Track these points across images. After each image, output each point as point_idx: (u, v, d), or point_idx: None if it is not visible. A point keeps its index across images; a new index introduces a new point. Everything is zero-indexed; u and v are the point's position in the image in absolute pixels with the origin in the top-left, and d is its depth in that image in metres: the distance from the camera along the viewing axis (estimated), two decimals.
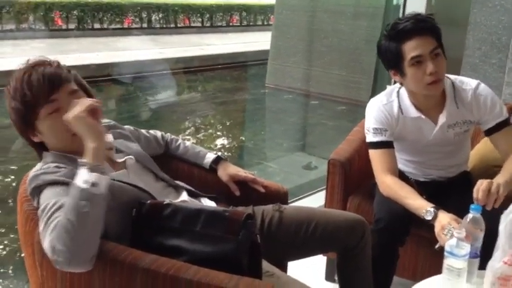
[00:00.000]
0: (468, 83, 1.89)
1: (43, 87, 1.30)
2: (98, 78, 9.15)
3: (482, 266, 1.40)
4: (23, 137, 1.39)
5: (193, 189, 1.63)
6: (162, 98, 9.00)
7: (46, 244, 1.14)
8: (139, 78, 9.47)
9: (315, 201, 2.89)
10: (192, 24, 16.20)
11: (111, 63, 9.74)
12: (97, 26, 13.82)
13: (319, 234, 1.61)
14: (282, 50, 8.09)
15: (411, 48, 1.74)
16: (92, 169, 1.18)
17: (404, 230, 1.81)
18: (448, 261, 1.36)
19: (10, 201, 4.53)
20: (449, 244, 1.36)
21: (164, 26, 15.50)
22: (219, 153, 1.85)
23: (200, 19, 16.49)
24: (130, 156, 1.51)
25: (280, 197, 1.81)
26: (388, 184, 1.83)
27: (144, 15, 15.02)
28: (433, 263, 1.97)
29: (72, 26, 13.26)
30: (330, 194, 2.20)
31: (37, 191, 1.27)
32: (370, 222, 1.86)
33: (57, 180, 1.27)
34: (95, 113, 1.28)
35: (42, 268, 1.26)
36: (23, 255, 3.37)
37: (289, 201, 1.90)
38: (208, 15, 16.68)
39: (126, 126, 1.70)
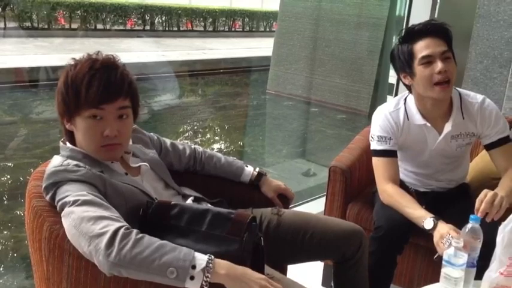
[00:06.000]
0: (474, 96, 1.93)
1: (99, 94, 1.30)
2: None
3: (479, 276, 1.43)
4: (59, 116, 1.39)
5: (199, 196, 1.64)
6: (162, 100, 9.01)
7: (102, 241, 1.14)
8: (141, 80, 9.49)
9: (315, 207, 2.91)
10: (195, 28, 16.22)
11: None
12: (100, 26, 13.84)
13: (315, 243, 1.62)
14: (284, 56, 8.11)
15: (422, 48, 1.78)
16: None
17: (403, 238, 1.84)
18: (445, 270, 1.39)
19: (5, 198, 4.53)
20: (447, 253, 1.39)
21: (167, 29, 15.53)
22: (258, 169, 1.83)
23: (203, 23, 16.52)
24: (145, 163, 1.52)
25: (281, 200, 1.83)
26: (389, 193, 1.86)
27: (147, 17, 15.06)
28: (430, 271, 2.00)
29: (75, 26, 13.29)
30: (330, 201, 2.22)
31: (55, 186, 1.28)
32: (369, 230, 1.89)
33: (77, 179, 1.28)
34: None
35: (49, 263, 1.28)
36: (15, 255, 3.36)
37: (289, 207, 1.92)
38: (211, 20, 16.71)
39: (149, 134, 1.71)
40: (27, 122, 7.04)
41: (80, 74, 1.31)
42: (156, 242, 1.17)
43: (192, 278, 1.14)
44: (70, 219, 1.20)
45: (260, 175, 1.81)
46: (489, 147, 1.93)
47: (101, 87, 1.30)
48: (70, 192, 1.25)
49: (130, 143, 1.53)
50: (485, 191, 1.63)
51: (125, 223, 1.19)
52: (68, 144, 1.41)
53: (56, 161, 1.36)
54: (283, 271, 1.72)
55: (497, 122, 1.89)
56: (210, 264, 1.15)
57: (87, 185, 1.28)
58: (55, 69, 8.30)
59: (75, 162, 1.33)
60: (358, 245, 1.64)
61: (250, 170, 1.81)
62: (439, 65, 1.76)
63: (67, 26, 13.12)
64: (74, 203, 1.21)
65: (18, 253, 3.47)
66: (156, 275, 1.14)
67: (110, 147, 1.36)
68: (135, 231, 1.17)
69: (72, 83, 1.31)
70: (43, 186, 1.31)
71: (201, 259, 1.16)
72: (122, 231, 1.15)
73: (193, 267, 1.14)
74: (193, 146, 1.82)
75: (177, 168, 1.76)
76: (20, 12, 11.85)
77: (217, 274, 1.16)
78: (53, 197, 1.28)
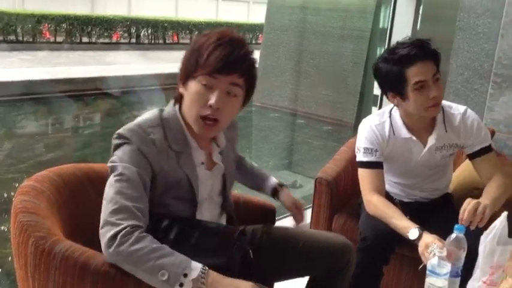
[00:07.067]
0: (456, 107, 1.96)
1: (216, 62, 1.31)
2: (85, 91, 9.14)
3: (462, 286, 1.45)
4: (179, 79, 1.40)
5: (233, 216, 1.61)
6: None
7: (110, 231, 1.19)
8: (127, 92, 9.47)
9: None
10: (181, 41, 16.28)
11: (98, 77, 9.74)
12: (85, 39, 13.83)
13: (304, 253, 1.61)
14: (269, 68, 8.14)
15: (415, 74, 1.78)
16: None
17: (389, 248, 1.85)
18: (429, 280, 1.40)
19: None
20: (431, 263, 1.40)
21: (153, 41, 15.58)
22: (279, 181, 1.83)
23: (189, 36, 16.59)
24: (222, 165, 1.51)
25: (267, 214, 1.84)
26: (374, 203, 1.88)
27: (133, 30, 15.08)
28: (416, 282, 2.01)
29: (60, 39, 13.26)
30: (316, 213, 2.24)
31: (125, 139, 1.31)
32: (355, 241, 1.90)
33: (142, 152, 1.30)
34: None
35: (34, 280, 1.27)
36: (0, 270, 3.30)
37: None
38: (197, 32, 16.79)
39: None
40: (11, 137, 6.98)
41: (207, 43, 1.33)
42: (157, 243, 1.20)
43: (181, 285, 1.16)
44: (109, 189, 1.27)
45: (282, 185, 1.80)
46: (472, 156, 1.96)
47: (221, 56, 1.31)
48: (127, 158, 1.28)
49: (224, 138, 1.52)
50: (468, 200, 1.66)
51: (139, 222, 1.22)
52: (177, 107, 1.41)
53: (147, 121, 1.37)
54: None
55: (479, 132, 1.93)
56: (203, 279, 1.17)
57: (144, 161, 1.29)
58: (40, 82, 8.26)
59: (156, 136, 1.34)
60: (346, 262, 1.63)
61: (274, 179, 1.81)
62: (433, 91, 1.78)
63: (52, 39, 13.09)
64: (120, 175, 1.26)
65: (3, 269, 3.43)
66: (149, 274, 1.17)
67: (208, 121, 1.35)
68: (139, 230, 1.20)
69: (198, 48, 1.34)
70: (119, 131, 1.33)
71: (195, 269, 1.18)
72: (127, 229, 1.19)
73: (185, 275, 1.16)
74: None
75: None
76: (4, 25, 11.79)
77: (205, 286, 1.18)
78: (116, 146, 1.32)
